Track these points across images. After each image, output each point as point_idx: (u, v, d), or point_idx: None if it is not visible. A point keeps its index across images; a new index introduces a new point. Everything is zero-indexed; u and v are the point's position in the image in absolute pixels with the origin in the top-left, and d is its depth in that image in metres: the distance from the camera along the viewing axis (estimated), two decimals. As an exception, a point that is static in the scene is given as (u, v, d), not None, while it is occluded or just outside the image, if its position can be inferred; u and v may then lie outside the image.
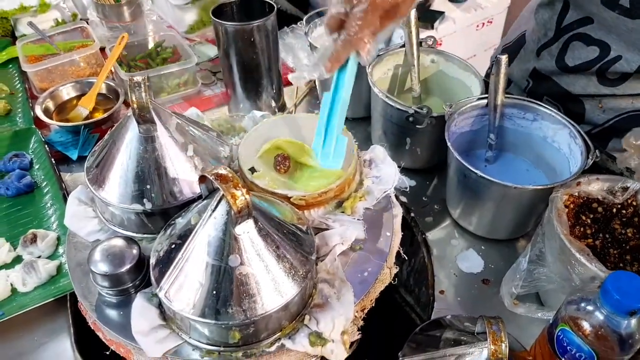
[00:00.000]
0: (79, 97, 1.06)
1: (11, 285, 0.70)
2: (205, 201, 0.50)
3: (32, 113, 1.01)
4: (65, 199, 0.82)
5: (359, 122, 1.05)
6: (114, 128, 0.60)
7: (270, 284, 0.48)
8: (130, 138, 0.57)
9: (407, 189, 0.90)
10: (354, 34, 0.54)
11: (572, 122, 0.80)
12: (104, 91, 1.07)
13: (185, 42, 1.17)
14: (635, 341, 0.54)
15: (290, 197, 0.60)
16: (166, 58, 1.16)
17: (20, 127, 1.00)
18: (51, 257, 0.75)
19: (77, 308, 0.66)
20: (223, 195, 0.46)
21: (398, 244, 0.63)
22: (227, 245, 0.46)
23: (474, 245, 0.84)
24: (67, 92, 1.06)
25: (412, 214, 0.89)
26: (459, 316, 0.68)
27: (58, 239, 0.77)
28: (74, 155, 0.94)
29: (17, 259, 0.74)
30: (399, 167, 0.72)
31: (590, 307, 0.55)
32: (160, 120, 0.57)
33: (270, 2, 0.95)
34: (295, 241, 0.51)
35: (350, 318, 0.53)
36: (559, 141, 0.83)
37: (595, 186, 0.73)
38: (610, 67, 0.82)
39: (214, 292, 0.46)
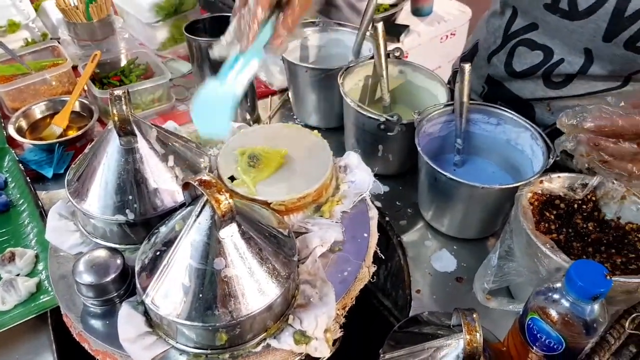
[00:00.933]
0: (52, 116, 1.06)
1: (-10, 304, 0.70)
2: (189, 208, 0.52)
3: (4, 132, 1.01)
4: (42, 217, 0.82)
5: (332, 131, 1.08)
6: (94, 142, 0.61)
7: (255, 285, 0.49)
8: (111, 151, 0.59)
9: (382, 193, 0.93)
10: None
11: (533, 125, 0.85)
12: (77, 109, 1.07)
13: (158, 59, 1.18)
14: (599, 325, 0.58)
15: (270, 203, 0.62)
16: (139, 75, 1.17)
17: (-7, 147, 0.99)
18: (30, 274, 0.74)
19: (58, 324, 0.66)
20: (207, 200, 0.48)
21: (375, 244, 0.66)
22: (212, 249, 0.48)
23: (446, 245, 0.87)
24: (39, 110, 1.06)
25: (387, 218, 0.92)
26: (435, 312, 0.70)
27: (36, 256, 0.77)
28: (49, 173, 0.94)
29: (-5, 278, 0.74)
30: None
31: (556, 296, 0.59)
32: (141, 132, 0.59)
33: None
34: (277, 244, 0.53)
35: (333, 316, 0.55)
36: (522, 143, 0.88)
37: (556, 183, 0.77)
38: (554, 70, 0.87)
39: (200, 295, 0.48)
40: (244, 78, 0.63)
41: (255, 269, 0.50)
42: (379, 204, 0.94)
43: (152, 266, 0.51)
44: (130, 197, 0.58)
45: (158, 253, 0.51)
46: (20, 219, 0.83)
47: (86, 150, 0.62)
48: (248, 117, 1.07)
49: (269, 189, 0.64)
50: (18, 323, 0.67)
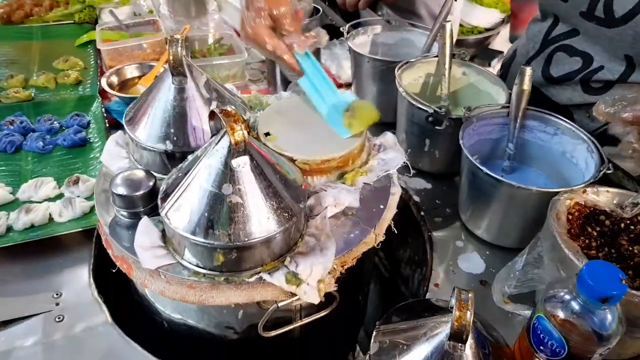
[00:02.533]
0: (140, 77, 1.19)
1: (50, 215, 0.80)
2: (212, 137, 0.57)
3: (98, 84, 1.15)
4: (111, 156, 0.93)
5: (387, 126, 1.08)
6: (153, 81, 0.69)
7: (256, 217, 0.53)
8: (164, 88, 0.66)
9: (422, 189, 0.93)
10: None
11: (591, 137, 0.81)
12: (162, 75, 1.20)
13: (241, 42, 1.28)
14: (611, 335, 0.54)
15: (295, 160, 0.66)
16: (222, 54, 1.28)
17: (86, 94, 1.14)
18: (88, 198, 0.84)
19: (100, 243, 0.74)
20: (226, 130, 0.52)
21: (390, 218, 0.66)
22: (223, 174, 0.52)
23: (479, 249, 0.85)
24: (130, 71, 1.20)
25: (422, 213, 0.91)
26: (445, 301, 0.69)
27: (97, 184, 0.87)
28: (125, 122, 1.06)
29: (59, 196, 0.85)
30: (416, 169, 0.75)
31: (567, 297, 0.56)
32: (192, 75, 0.66)
33: (317, 6, 1.04)
34: (287, 187, 0.56)
35: (328, 268, 0.56)
36: (577, 156, 0.84)
37: (603, 197, 0.73)
38: (593, 76, 0.86)
39: (206, 214, 0.52)
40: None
41: (260, 202, 0.53)
42: (417, 199, 0.94)
43: (173, 186, 0.56)
44: (172, 130, 0.64)
45: (180, 174, 0.56)
46: (92, 154, 0.95)
47: (146, 89, 0.70)
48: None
49: (296, 147, 0.67)
50: (68, 232, 0.77)
